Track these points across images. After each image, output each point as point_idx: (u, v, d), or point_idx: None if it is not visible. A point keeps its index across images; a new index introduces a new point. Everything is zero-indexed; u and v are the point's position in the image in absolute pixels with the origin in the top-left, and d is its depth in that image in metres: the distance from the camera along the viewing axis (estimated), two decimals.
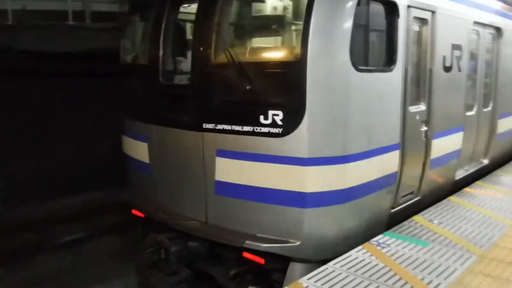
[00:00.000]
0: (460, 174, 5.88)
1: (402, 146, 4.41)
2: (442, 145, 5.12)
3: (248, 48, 4.21)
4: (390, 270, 3.52)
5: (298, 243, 3.77)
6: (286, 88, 3.68)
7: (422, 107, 4.77)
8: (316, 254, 3.90)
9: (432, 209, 5.01)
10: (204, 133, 4.06)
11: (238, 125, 3.83)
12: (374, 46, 3.96)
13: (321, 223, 3.83)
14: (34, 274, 6.59)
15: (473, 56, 5.85)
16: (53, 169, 9.82)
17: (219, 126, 3.95)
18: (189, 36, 4.84)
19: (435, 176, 5.14)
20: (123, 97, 5.30)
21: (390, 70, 4.13)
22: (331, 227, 3.91)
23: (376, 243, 4.09)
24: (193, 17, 4.46)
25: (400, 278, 3.38)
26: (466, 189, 5.75)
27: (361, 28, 3.74)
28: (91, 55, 9.80)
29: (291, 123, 3.60)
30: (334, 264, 3.65)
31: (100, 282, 6.36)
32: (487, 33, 6.22)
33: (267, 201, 3.81)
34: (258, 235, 3.88)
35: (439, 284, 3.30)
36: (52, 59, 9.39)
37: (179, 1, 4.56)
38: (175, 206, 4.53)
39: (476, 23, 5.62)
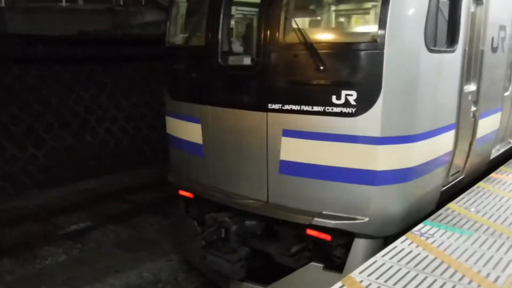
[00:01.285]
0: (493, 153, 5.91)
1: (457, 126, 4.50)
2: (486, 125, 5.22)
3: (321, 29, 4.28)
4: (443, 262, 3.37)
5: (366, 219, 3.86)
6: (362, 69, 3.66)
7: (473, 87, 4.79)
8: (381, 231, 4.02)
9: (465, 196, 4.87)
10: (269, 113, 4.03)
11: (308, 105, 3.81)
12: (441, 26, 3.92)
13: (388, 200, 3.92)
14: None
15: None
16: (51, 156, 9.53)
17: (286, 106, 3.92)
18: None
19: (477, 155, 5.23)
20: (168, 78, 5.19)
21: (453, 51, 4.15)
22: (397, 204, 3.99)
23: (418, 233, 3.93)
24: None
25: (456, 271, 3.23)
26: (493, 175, 5.62)
27: (432, 9, 3.74)
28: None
29: (365, 103, 3.62)
30: (382, 256, 3.48)
31: (113, 274, 6.17)
32: None
33: (335, 179, 3.86)
34: (324, 212, 3.94)
35: (498, 277, 3.16)
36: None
37: None
38: (231, 186, 4.49)
39: None
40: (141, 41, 10.81)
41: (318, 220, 3.88)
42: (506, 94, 5.87)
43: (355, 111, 3.66)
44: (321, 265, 4.15)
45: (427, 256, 3.47)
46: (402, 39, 3.63)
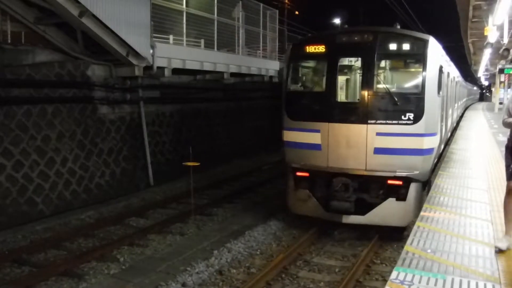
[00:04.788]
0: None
1: (440, 130, 8.98)
2: (443, 132, 10.15)
3: (396, 85, 8.21)
4: None
5: (417, 172, 7.73)
6: (415, 104, 7.65)
7: (442, 113, 9.36)
8: (423, 178, 8.01)
9: (412, 237, 5.18)
10: (368, 125, 7.65)
11: (390, 120, 7.62)
12: (441, 84, 8.51)
13: (426, 162, 7.88)
14: None
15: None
16: None
17: (378, 121, 7.64)
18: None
19: (439, 148, 9.75)
20: (289, 108, 8.50)
21: (440, 95, 8.51)
22: (428, 164, 8.07)
23: (398, 281, 4.01)
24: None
25: None
26: (423, 213, 6.11)
27: (439, 79, 8.20)
28: None
29: (417, 119, 7.56)
30: None
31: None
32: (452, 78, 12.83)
33: (403, 154, 7.60)
34: (397, 171, 7.67)
35: None
36: None
37: (343, 57, 8.52)
38: (342, 164, 7.84)
39: (442, 68, 9.24)
40: (33, 82, 9.58)
41: (399, 173, 7.65)
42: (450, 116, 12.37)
43: (412, 122, 7.53)
44: (394, 199, 7.78)
45: None
46: (430, 91, 7.78)
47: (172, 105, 13.68)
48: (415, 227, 5.53)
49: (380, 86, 7.70)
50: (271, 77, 18.07)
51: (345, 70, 8.85)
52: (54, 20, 10.21)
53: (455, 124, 18.31)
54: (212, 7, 13.60)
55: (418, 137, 7.48)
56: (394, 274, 4.15)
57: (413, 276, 4.10)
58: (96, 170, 11.02)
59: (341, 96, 8.58)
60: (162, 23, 11.71)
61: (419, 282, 3.98)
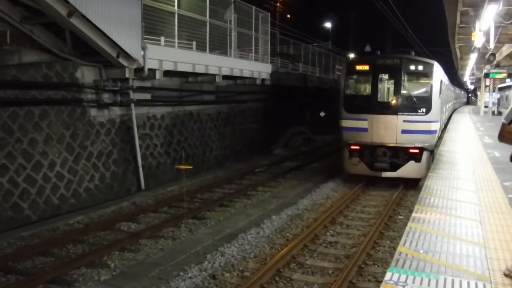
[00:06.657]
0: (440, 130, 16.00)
1: (440, 119, 13.50)
2: (442, 121, 15.64)
3: (415, 90, 12.59)
4: None
5: (428, 144, 12.13)
6: (426, 103, 12.16)
7: (442, 107, 13.85)
8: (431, 148, 12.52)
9: (405, 238, 5.22)
10: (398, 116, 12.05)
11: (412, 112, 12.06)
12: (441, 91, 13.00)
13: (433, 138, 12.45)
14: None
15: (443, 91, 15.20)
16: None
17: (405, 113, 12.04)
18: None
19: (439, 131, 14.25)
20: (346, 105, 12.87)
21: (441, 97, 13.00)
22: (434, 140, 12.78)
23: (392, 282, 4.02)
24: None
25: None
26: (415, 214, 6.15)
27: (440, 87, 12.78)
28: None
29: (427, 111, 12.04)
30: None
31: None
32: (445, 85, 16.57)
33: (420, 133, 11.99)
34: (416, 143, 11.99)
35: None
36: None
37: (381, 74, 12.78)
38: (381, 140, 12.17)
39: (442, 81, 13.47)
40: (19, 83, 9.44)
41: (416, 145, 11.98)
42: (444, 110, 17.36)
43: (425, 113, 12.01)
44: (413, 161, 12.07)
45: None
46: (435, 94, 12.26)
47: (164, 108, 13.61)
48: (407, 228, 5.56)
49: (405, 91, 12.24)
50: (263, 80, 18.08)
51: (382, 81, 13.03)
52: (41, 19, 10.07)
53: (446, 121, 23.05)
54: (204, 9, 13.59)
55: (428, 123, 11.95)
56: (388, 275, 4.16)
57: (407, 276, 4.12)
58: (85, 174, 10.88)
59: (381, 98, 12.78)
60: (153, 24, 11.66)
61: (413, 282, 4.00)
